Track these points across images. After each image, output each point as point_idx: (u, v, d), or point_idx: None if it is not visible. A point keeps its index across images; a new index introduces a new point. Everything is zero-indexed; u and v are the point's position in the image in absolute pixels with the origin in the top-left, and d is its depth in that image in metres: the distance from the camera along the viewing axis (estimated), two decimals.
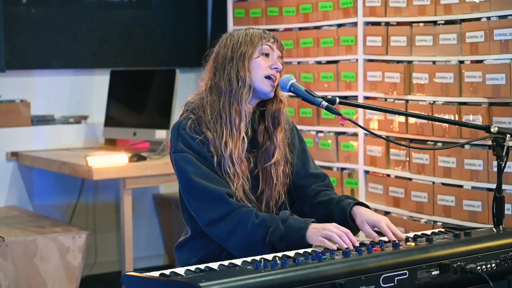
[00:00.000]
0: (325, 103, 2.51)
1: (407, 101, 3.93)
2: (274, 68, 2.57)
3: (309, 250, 2.34)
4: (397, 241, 2.38)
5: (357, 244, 2.34)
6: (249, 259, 2.25)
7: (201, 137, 2.52)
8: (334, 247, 2.32)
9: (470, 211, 3.63)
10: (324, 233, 2.37)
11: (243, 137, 2.54)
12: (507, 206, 3.42)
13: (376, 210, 4.15)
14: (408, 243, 2.34)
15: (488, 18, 3.52)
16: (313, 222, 2.44)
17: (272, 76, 2.57)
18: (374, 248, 2.26)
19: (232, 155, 2.52)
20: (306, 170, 2.71)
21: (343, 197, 2.62)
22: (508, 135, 2.56)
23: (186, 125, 2.54)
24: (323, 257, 2.18)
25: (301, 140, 2.75)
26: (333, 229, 2.38)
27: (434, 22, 3.79)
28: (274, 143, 2.61)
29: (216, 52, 2.63)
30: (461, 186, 3.69)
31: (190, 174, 2.49)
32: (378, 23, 4.08)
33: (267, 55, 2.58)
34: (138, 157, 4.49)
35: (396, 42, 3.97)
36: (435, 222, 3.81)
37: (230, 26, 4.80)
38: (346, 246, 2.32)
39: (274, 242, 2.42)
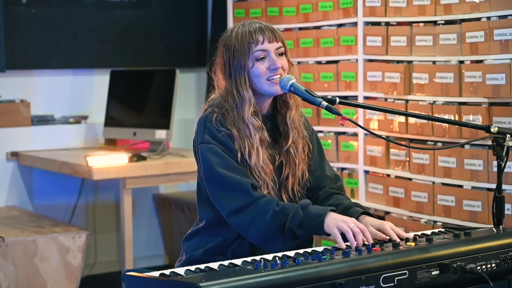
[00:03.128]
0: (325, 103, 2.51)
1: (407, 101, 3.93)
2: (273, 69, 2.57)
3: (309, 250, 2.34)
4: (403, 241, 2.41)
5: (371, 242, 2.35)
6: (249, 259, 2.26)
7: (227, 131, 2.54)
8: (343, 245, 2.33)
9: (470, 211, 3.63)
10: (341, 226, 2.38)
11: (259, 147, 2.55)
12: (507, 206, 3.42)
13: (376, 210, 4.15)
14: (408, 243, 2.35)
15: (488, 18, 3.52)
16: (333, 210, 2.46)
17: (274, 77, 2.57)
18: (374, 248, 2.26)
19: (257, 164, 2.54)
20: (323, 170, 2.74)
21: (353, 204, 2.64)
22: (508, 135, 2.56)
23: (212, 118, 2.56)
24: (323, 257, 2.18)
25: (318, 141, 2.78)
26: (351, 224, 2.39)
27: (434, 22, 3.79)
28: (288, 124, 2.64)
29: (218, 63, 2.65)
30: (461, 186, 3.69)
31: (214, 165, 2.50)
32: (378, 23, 4.08)
33: (262, 58, 2.58)
34: (138, 157, 4.49)
35: (396, 42, 3.97)
36: (435, 222, 3.81)
37: (230, 27, 4.80)
38: (355, 246, 2.32)
39: (293, 228, 2.43)
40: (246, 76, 2.56)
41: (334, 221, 2.40)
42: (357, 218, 2.54)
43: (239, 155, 2.54)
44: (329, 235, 2.43)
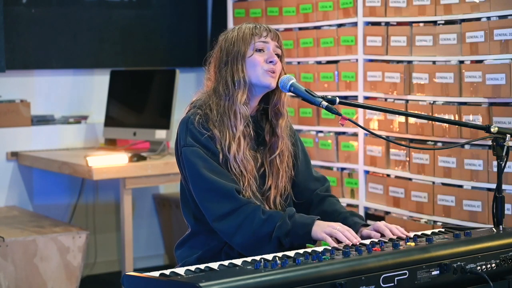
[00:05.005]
0: (325, 103, 2.52)
1: (407, 101, 3.93)
2: (270, 61, 2.57)
3: (309, 250, 2.34)
4: (399, 235, 2.45)
5: (360, 240, 2.39)
6: (249, 259, 2.25)
7: (209, 133, 2.54)
8: (335, 244, 2.36)
9: (470, 211, 3.63)
10: (329, 230, 2.43)
11: (241, 138, 2.55)
12: (507, 206, 3.42)
13: (376, 210, 4.15)
14: (408, 243, 2.34)
15: (488, 18, 3.52)
16: (319, 219, 2.49)
17: (270, 70, 2.57)
18: (374, 248, 2.26)
19: (236, 157, 2.54)
20: (310, 172, 2.75)
21: (349, 214, 2.65)
22: (508, 135, 2.56)
23: (195, 120, 2.55)
24: (323, 257, 2.18)
25: (302, 143, 2.79)
26: (337, 226, 2.43)
27: (434, 22, 3.79)
28: (278, 134, 2.64)
29: (215, 56, 2.66)
30: (461, 186, 3.69)
31: (200, 168, 2.50)
32: (378, 23, 4.08)
33: (261, 50, 2.59)
34: (138, 157, 4.49)
35: (396, 42, 3.97)
36: (435, 222, 3.81)
37: (230, 26, 4.80)
38: (349, 242, 2.36)
39: (280, 237, 2.45)
40: (243, 64, 2.57)
41: (321, 227, 2.45)
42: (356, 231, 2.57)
43: (220, 156, 2.54)
44: (314, 242, 2.46)
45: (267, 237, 2.46)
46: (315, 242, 2.47)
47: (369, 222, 3.92)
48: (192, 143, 2.53)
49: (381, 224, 2.52)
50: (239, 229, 2.47)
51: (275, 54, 2.60)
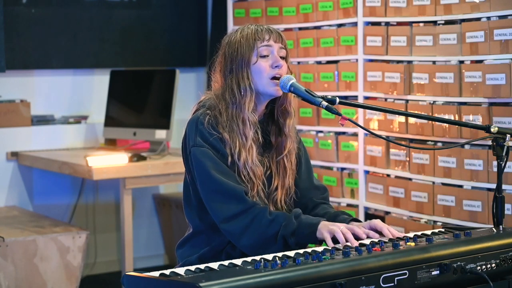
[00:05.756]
0: (325, 103, 2.51)
1: (407, 101, 3.93)
2: (276, 66, 2.57)
3: (309, 250, 2.34)
4: (393, 236, 2.44)
5: (357, 244, 2.38)
6: (249, 259, 2.26)
7: (218, 134, 2.54)
8: (332, 244, 2.37)
9: (470, 211, 3.63)
10: (331, 228, 2.43)
11: (251, 145, 2.56)
12: (507, 206, 3.42)
13: (376, 210, 4.15)
14: (408, 243, 2.34)
15: (488, 18, 3.52)
16: (324, 220, 2.50)
17: (276, 75, 2.57)
18: (374, 248, 2.26)
19: (246, 164, 2.54)
20: (311, 181, 2.75)
21: (340, 212, 2.65)
22: (508, 135, 2.56)
23: (204, 121, 2.55)
24: (323, 257, 2.18)
25: (305, 150, 2.79)
26: (341, 226, 2.43)
27: (434, 22, 3.79)
28: (285, 133, 2.64)
29: (219, 61, 2.65)
30: (461, 186, 3.69)
31: (209, 169, 2.50)
32: (378, 23, 4.08)
33: (265, 55, 2.58)
34: (138, 157, 4.49)
35: (396, 42, 3.97)
36: (435, 222, 3.81)
37: (230, 26, 4.80)
38: (346, 243, 2.35)
39: (286, 235, 2.46)
40: (248, 71, 2.56)
41: (325, 227, 2.45)
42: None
43: (229, 159, 2.54)
44: (319, 242, 2.47)
45: (273, 237, 2.47)
46: (320, 242, 2.47)
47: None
48: (201, 143, 2.53)
49: (378, 222, 2.50)
50: (246, 231, 2.48)
51: (280, 56, 2.60)
